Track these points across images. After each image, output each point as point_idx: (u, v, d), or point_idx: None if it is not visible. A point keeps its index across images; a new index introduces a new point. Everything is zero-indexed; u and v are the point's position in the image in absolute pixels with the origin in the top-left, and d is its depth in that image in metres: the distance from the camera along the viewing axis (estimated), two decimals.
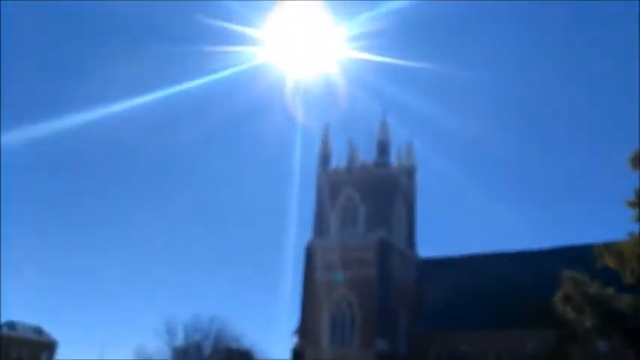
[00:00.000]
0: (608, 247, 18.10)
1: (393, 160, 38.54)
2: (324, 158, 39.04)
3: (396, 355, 32.89)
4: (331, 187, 37.75)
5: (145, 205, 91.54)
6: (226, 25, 38.68)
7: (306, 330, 34.66)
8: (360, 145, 38.85)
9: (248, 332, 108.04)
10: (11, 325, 64.67)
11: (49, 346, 67.60)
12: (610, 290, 17.90)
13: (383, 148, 37.34)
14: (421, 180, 41.26)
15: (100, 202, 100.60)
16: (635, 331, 17.55)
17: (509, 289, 32.09)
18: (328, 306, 34.37)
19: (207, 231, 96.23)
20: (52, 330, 69.55)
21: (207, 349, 47.37)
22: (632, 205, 17.73)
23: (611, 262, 17.75)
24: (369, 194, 36.38)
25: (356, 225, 36.14)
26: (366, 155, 38.17)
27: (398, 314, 34.26)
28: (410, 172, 40.15)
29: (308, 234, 37.34)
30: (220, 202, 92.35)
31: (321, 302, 34.44)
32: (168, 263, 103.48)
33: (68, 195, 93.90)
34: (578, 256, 21.87)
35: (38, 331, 67.42)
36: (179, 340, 47.04)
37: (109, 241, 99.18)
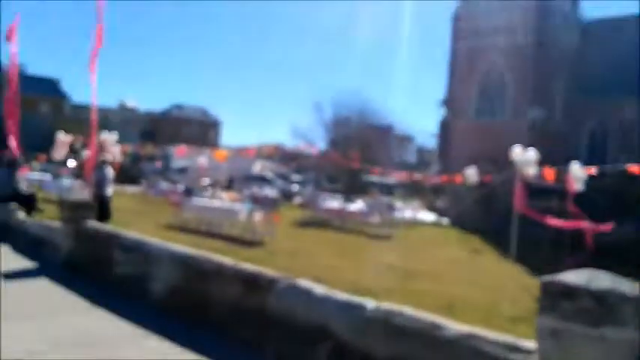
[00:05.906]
0: None
1: None
2: None
3: (551, 124, 31.22)
4: None
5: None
6: None
7: (453, 101, 33.72)
8: None
9: (395, 107, 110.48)
10: (179, 107, 72.02)
11: (215, 125, 75.14)
12: None
13: None
14: None
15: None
16: None
17: None
18: (476, 75, 32.58)
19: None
20: (216, 112, 76.51)
21: (355, 124, 48.89)
22: None
23: None
24: None
25: None
26: None
27: (555, 81, 31.59)
28: None
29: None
30: None
31: (468, 72, 32.64)
32: (309, 42, 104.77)
33: None
34: None
35: (204, 112, 74.38)
36: (328, 116, 49.07)
37: (263, 30, 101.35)
